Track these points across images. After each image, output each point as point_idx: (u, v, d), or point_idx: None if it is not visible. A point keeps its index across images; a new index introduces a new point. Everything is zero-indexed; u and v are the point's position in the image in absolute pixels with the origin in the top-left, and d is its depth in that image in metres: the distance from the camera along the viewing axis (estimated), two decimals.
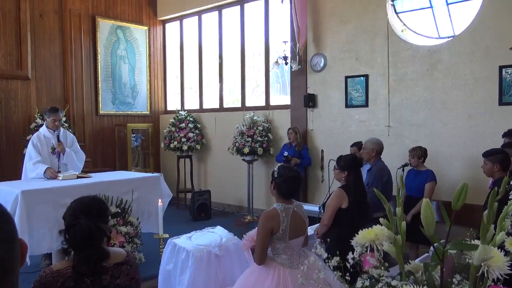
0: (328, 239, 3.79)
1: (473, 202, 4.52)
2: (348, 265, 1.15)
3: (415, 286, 1.01)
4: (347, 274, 1.22)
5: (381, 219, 1.19)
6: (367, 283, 1.04)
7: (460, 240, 1.04)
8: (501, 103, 5.25)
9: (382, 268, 1.10)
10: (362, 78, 6.44)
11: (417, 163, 4.98)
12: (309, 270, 2.93)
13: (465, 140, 5.54)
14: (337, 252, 1.39)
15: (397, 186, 4.96)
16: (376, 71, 6.31)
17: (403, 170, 5.13)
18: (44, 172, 4.94)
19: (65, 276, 1.87)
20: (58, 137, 5.18)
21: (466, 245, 1.00)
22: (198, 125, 8.63)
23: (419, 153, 4.97)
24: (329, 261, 1.36)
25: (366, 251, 1.25)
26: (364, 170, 4.87)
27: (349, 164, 3.80)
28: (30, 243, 4.17)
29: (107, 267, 1.96)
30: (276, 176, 3.01)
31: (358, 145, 5.38)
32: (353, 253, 1.30)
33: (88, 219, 1.91)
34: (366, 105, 6.42)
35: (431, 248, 3.01)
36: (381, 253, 1.15)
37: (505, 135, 4.31)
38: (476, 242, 1.02)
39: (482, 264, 0.97)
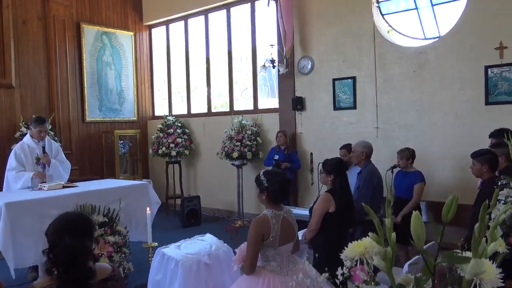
0: (316, 244, 3.77)
1: (461, 201, 4.53)
2: (337, 281, 1.11)
3: None
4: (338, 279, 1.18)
5: (370, 234, 1.15)
6: None
7: (452, 253, 1.01)
8: (487, 102, 5.27)
9: (373, 283, 1.06)
10: (349, 80, 6.44)
11: (405, 164, 4.97)
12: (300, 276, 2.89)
13: (453, 140, 5.56)
14: (326, 258, 1.35)
15: (387, 190, 4.97)
16: (364, 73, 6.32)
17: (392, 172, 5.12)
18: (31, 178, 4.84)
19: None
20: (43, 148, 5.08)
21: (458, 258, 0.97)
22: (186, 130, 8.57)
23: (407, 154, 4.97)
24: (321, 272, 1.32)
25: (356, 264, 1.21)
26: (354, 173, 4.86)
27: (334, 167, 3.78)
28: (15, 256, 4.08)
29: (92, 284, 1.89)
30: (265, 184, 2.96)
31: (347, 147, 5.36)
32: (341, 262, 1.27)
33: (72, 238, 1.84)
34: (354, 107, 6.42)
35: (406, 264, 2.99)
36: (371, 267, 1.12)
37: (492, 135, 4.32)
38: (468, 254, 0.99)
39: (474, 277, 0.94)
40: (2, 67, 7.46)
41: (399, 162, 5.00)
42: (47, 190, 4.69)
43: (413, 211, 1.05)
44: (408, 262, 2.96)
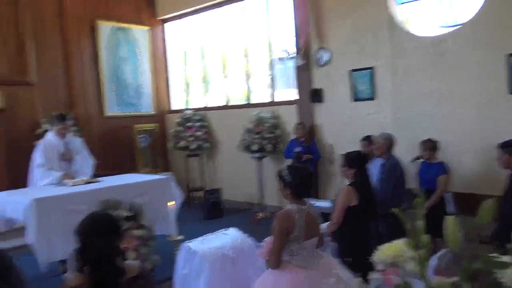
0: (338, 237, 3.80)
1: (484, 192, 4.50)
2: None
3: None
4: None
5: (403, 240, 1.17)
6: None
7: (489, 257, 1.02)
8: (511, 92, 5.18)
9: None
10: (367, 71, 6.39)
11: (429, 155, 4.93)
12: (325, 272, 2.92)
13: (475, 130, 5.48)
14: (348, 251, 1.39)
15: (414, 184, 4.90)
16: (381, 63, 6.26)
17: (415, 163, 5.09)
18: (59, 178, 4.96)
19: None
20: (66, 145, 5.18)
21: (497, 263, 0.98)
22: (204, 123, 8.62)
23: (430, 145, 4.93)
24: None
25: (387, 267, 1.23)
26: (376, 165, 4.85)
27: (355, 161, 3.78)
28: (45, 251, 4.21)
29: (122, 282, 1.96)
30: (288, 179, 2.98)
31: (368, 139, 5.33)
32: (364, 252, 1.29)
33: (99, 239, 1.91)
34: (373, 97, 6.37)
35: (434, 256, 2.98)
36: (404, 272, 1.14)
37: None
38: (506, 258, 1.00)
39: None
40: (21, 65, 7.60)
41: (423, 153, 4.96)
42: (72, 186, 4.80)
43: (448, 216, 1.07)
44: (437, 254, 2.95)
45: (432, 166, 4.91)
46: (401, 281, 1.08)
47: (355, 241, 3.70)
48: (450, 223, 1.06)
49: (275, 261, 2.90)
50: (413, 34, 5.99)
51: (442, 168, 4.83)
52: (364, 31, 6.37)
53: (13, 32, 7.49)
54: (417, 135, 5.68)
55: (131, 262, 2.20)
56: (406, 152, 5.42)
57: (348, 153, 3.91)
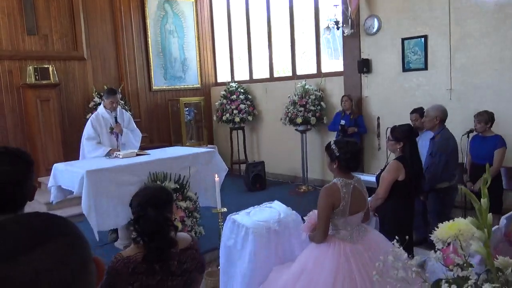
0: (383, 212, 3.70)
1: None
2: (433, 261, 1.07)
3: None
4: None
5: (470, 218, 1.08)
6: (454, 286, 0.96)
7: None
8: None
9: (469, 268, 1.01)
10: (420, 39, 6.05)
11: (483, 129, 4.66)
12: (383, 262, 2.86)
13: None
14: (393, 227, 1.32)
15: (465, 158, 4.70)
16: (436, 30, 5.90)
17: (468, 137, 4.83)
18: (107, 153, 5.13)
19: (135, 262, 1.93)
20: (116, 118, 5.32)
21: None
22: (249, 96, 8.59)
23: (486, 118, 4.64)
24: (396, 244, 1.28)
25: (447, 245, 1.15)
26: (426, 138, 4.64)
27: (404, 134, 3.63)
28: (97, 220, 4.40)
29: (174, 253, 2.00)
30: (337, 153, 2.90)
31: (419, 111, 5.07)
32: (407, 231, 1.22)
33: (155, 210, 1.94)
34: (426, 68, 6.05)
35: (502, 218, 2.84)
36: (467, 252, 1.06)
37: None
38: None
39: None
40: (73, 40, 7.83)
41: (476, 126, 4.69)
42: (122, 158, 4.94)
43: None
44: (505, 216, 2.82)
45: (487, 139, 4.63)
46: (462, 261, 1.00)
47: (399, 217, 3.60)
48: None
49: (322, 235, 2.87)
50: None
51: (499, 142, 4.55)
52: None
53: (64, 8, 7.69)
54: (472, 107, 5.37)
55: (183, 234, 2.24)
56: (459, 126, 5.14)
57: (396, 126, 3.76)
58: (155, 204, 1.97)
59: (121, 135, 5.38)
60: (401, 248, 1.15)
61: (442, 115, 4.49)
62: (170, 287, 2.01)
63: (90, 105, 7.79)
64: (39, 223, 0.68)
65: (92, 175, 4.34)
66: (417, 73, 6.15)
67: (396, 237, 1.33)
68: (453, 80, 5.78)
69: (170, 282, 2.00)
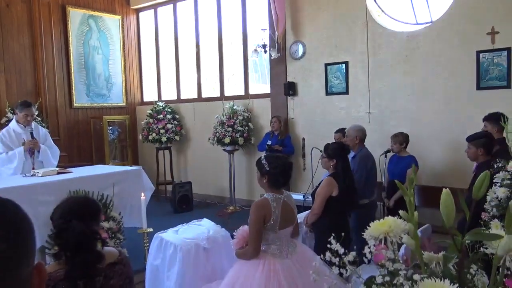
0: (318, 228, 3.80)
1: (454, 185, 4.62)
2: (365, 260, 1.12)
3: (436, 280, 0.98)
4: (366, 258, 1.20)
5: (400, 212, 1.15)
6: (387, 278, 1.01)
7: (479, 230, 1.02)
8: (479, 87, 5.33)
9: (401, 261, 1.07)
10: (341, 65, 6.44)
11: (399, 149, 5.03)
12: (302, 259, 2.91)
13: (445, 125, 5.62)
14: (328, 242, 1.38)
15: (383, 173, 4.99)
16: (356, 57, 6.31)
17: (385, 156, 5.17)
18: (24, 151, 4.76)
19: (56, 279, 1.78)
20: (31, 133, 4.96)
21: (488, 235, 0.98)
22: (176, 115, 8.49)
23: (401, 139, 5.02)
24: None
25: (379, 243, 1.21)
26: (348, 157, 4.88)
27: (337, 152, 3.81)
28: None
29: (100, 268, 1.87)
30: (267, 168, 2.95)
31: (342, 131, 5.37)
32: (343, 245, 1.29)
33: (80, 222, 1.81)
34: (347, 92, 6.43)
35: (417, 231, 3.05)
36: (395, 246, 1.12)
37: (485, 119, 4.38)
38: (497, 231, 1.00)
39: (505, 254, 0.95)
40: None
41: (393, 147, 5.05)
42: (42, 176, 4.60)
43: (443, 189, 1.05)
44: (419, 229, 3.01)
45: (402, 159, 5.00)
46: (393, 254, 1.06)
47: (335, 231, 3.71)
48: (445, 196, 1.04)
49: (253, 250, 2.87)
50: (387, 30, 6.07)
51: (411, 162, 4.92)
52: (339, 25, 6.41)
53: None
54: (389, 129, 5.78)
55: (110, 248, 2.11)
56: (378, 147, 5.49)
57: (329, 144, 3.93)
58: (80, 215, 1.84)
59: (38, 151, 5.01)
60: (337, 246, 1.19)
61: (361, 134, 4.77)
62: None
63: (1, 121, 7.20)
64: None
65: (4, 194, 3.96)
66: (339, 97, 6.50)
67: (333, 234, 1.38)
68: (371, 104, 6.19)
69: None
